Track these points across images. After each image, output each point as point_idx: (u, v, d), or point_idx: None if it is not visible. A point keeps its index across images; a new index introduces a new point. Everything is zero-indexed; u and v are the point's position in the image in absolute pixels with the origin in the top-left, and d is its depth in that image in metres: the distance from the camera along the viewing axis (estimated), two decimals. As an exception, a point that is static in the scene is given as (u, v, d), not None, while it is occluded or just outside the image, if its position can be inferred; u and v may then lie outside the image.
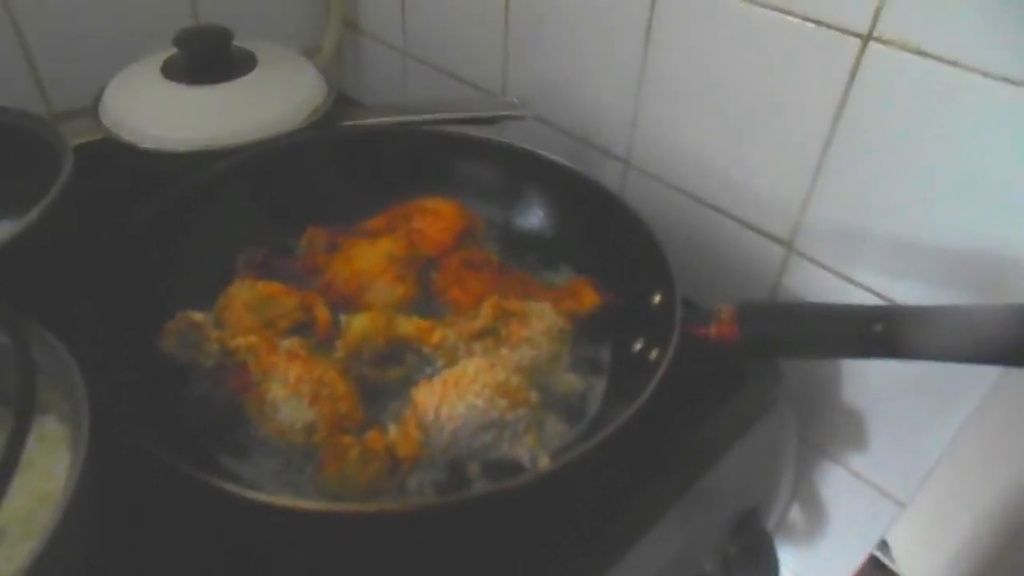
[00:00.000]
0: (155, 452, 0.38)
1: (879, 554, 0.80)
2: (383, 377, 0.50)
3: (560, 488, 0.45)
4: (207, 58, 0.65)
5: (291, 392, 0.46)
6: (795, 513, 0.71)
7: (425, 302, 0.56)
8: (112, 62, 0.67)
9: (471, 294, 0.55)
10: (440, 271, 0.58)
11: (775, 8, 0.52)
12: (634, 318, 0.53)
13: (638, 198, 0.63)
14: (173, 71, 0.65)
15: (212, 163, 0.59)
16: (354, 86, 0.99)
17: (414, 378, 0.49)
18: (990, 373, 0.52)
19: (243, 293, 0.53)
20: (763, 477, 0.58)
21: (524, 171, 0.64)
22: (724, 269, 0.65)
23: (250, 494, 0.37)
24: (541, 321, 0.51)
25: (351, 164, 0.65)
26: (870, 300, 0.56)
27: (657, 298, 0.52)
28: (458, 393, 0.45)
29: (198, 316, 0.50)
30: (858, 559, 0.70)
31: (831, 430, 0.63)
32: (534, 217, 0.64)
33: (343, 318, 0.52)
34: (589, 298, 0.55)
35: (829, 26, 0.50)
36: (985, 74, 0.44)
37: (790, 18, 0.52)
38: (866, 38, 0.49)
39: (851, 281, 0.57)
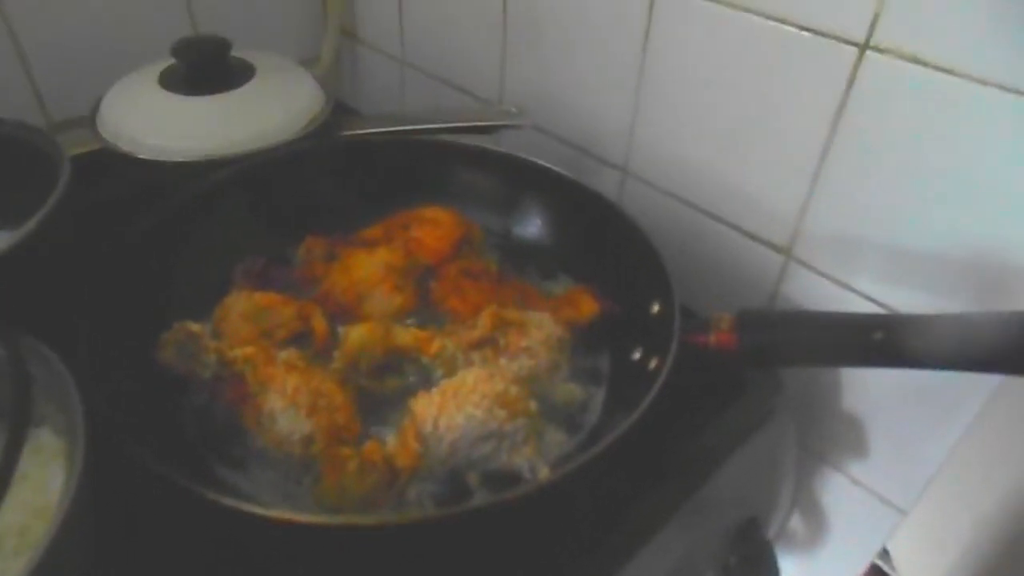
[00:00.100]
0: (152, 464, 0.37)
1: (880, 562, 0.80)
2: (381, 388, 0.50)
3: (560, 498, 0.45)
4: (205, 68, 0.65)
5: (288, 403, 0.45)
6: (796, 521, 0.70)
7: (423, 312, 0.56)
8: (110, 72, 0.67)
9: (469, 303, 0.55)
10: (438, 280, 0.57)
11: (772, 17, 0.52)
12: (633, 327, 0.53)
13: (636, 206, 0.63)
14: (171, 81, 0.65)
15: (210, 173, 0.59)
16: (352, 95, 0.99)
17: (412, 389, 0.48)
18: (990, 381, 0.51)
19: (240, 303, 0.53)
20: (763, 486, 0.58)
21: (522, 180, 0.64)
22: (722, 277, 0.65)
23: (247, 507, 0.37)
24: (540, 331, 0.51)
25: (349, 173, 0.65)
26: (869, 308, 0.56)
27: (656, 307, 0.52)
28: (457, 404, 0.45)
29: (195, 326, 0.50)
30: (859, 568, 0.70)
31: (831, 438, 0.63)
32: (532, 226, 0.64)
33: (341, 328, 0.51)
34: (588, 307, 0.55)
35: (826, 35, 0.50)
36: (982, 82, 0.44)
37: (787, 27, 0.52)
38: (863, 47, 0.49)
39: (850, 289, 0.57)
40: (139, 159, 0.61)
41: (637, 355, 0.52)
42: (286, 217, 0.61)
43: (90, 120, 0.65)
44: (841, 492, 0.65)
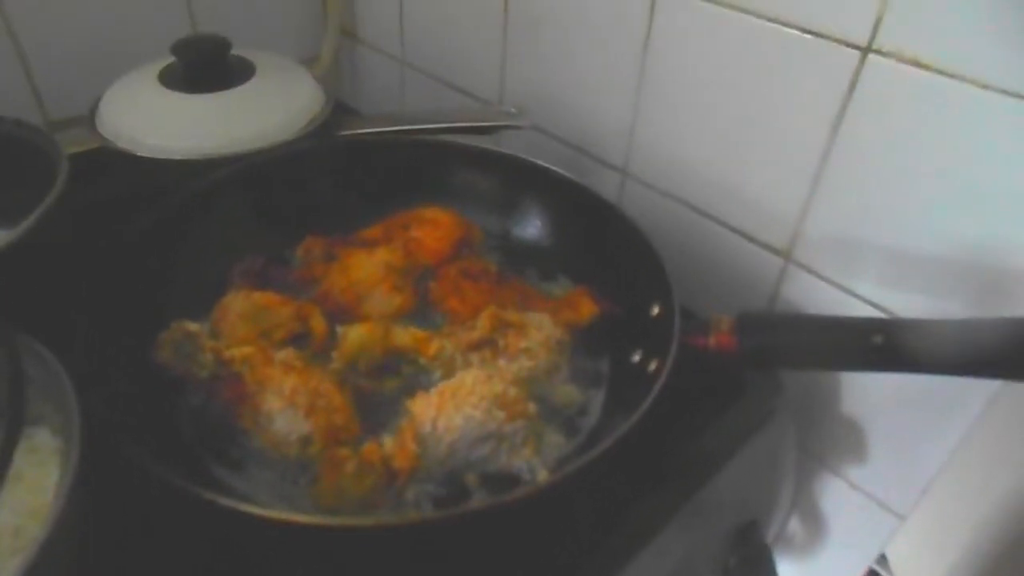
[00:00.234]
0: (149, 464, 0.37)
1: (878, 568, 0.79)
2: (380, 388, 0.50)
3: (559, 500, 0.45)
4: (205, 66, 0.65)
5: (286, 404, 0.45)
6: (794, 525, 0.70)
7: (422, 312, 0.56)
8: (109, 71, 0.67)
9: (469, 304, 0.54)
10: (438, 281, 0.57)
11: (774, 19, 0.52)
12: (632, 329, 0.53)
13: (635, 208, 0.63)
14: (171, 79, 0.65)
15: (209, 172, 0.59)
16: (352, 95, 0.99)
17: (411, 390, 0.48)
18: (990, 386, 0.51)
19: (238, 303, 0.53)
20: (763, 488, 0.58)
21: (522, 181, 0.64)
22: (721, 279, 0.65)
23: (244, 507, 0.37)
24: (539, 332, 0.51)
25: (348, 173, 0.65)
26: (869, 312, 0.56)
27: (655, 309, 0.51)
28: (455, 405, 0.45)
29: (193, 326, 0.50)
30: (856, 573, 0.69)
31: (831, 441, 0.63)
32: (532, 227, 0.64)
33: (339, 329, 0.51)
34: (587, 308, 0.55)
35: (828, 38, 0.50)
36: (984, 86, 0.44)
37: (790, 30, 0.52)
38: (865, 50, 0.49)
39: (850, 292, 0.57)
40: (138, 157, 0.61)
41: (637, 357, 0.51)
42: (285, 217, 0.61)
43: (89, 118, 0.65)
44: (840, 496, 0.65)
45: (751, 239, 0.62)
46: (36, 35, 0.70)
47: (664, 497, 0.47)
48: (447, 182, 0.65)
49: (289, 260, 0.59)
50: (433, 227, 0.60)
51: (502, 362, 0.49)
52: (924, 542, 0.74)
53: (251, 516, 0.37)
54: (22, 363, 0.36)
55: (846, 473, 0.64)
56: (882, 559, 0.77)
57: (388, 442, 0.45)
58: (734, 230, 0.63)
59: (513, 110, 0.69)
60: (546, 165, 0.62)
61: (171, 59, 0.65)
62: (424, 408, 0.45)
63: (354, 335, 0.50)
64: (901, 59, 0.47)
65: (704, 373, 0.49)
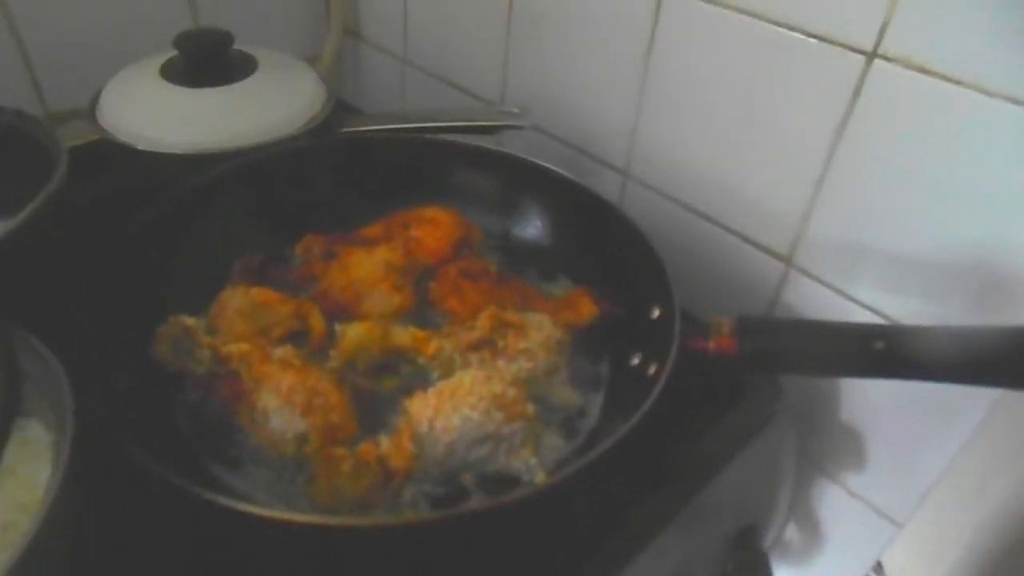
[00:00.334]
0: (146, 462, 0.37)
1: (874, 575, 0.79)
2: (378, 388, 0.49)
3: (557, 502, 0.45)
4: (207, 61, 0.65)
5: (283, 401, 0.45)
6: (791, 532, 0.70)
7: (422, 312, 0.55)
8: (109, 64, 0.67)
9: (468, 304, 0.54)
10: (437, 281, 0.57)
11: (780, 23, 0.52)
12: (632, 331, 0.53)
13: (636, 209, 0.63)
14: (172, 73, 0.65)
15: (209, 166, 0.59)
16: (353, 93, 0.99)
17: (409, 389, 0.48)
18: (990, 394, 0.51)
19: (236, 300, 0.52)
20: (761, 493, 0.57)
21: (523, 181, 0.63)
22: (721, 283, 0.65)
23: (240, 506, 0.37)
24: (539, 333, 0.51)
25: (349, 171, 0.64)
26: (869, 318, 0.56)
27: (656, 311, 0.51)
28: (454, 405, 0.45)
29: (190, 321, 0.49)
30: (853, 580, 0.69)
31: (830, 447, 0.63)
32: (532, 227, 0.64)
33: (338, 327, 0.51)
34: (587, 309, 0.54)
35: (834, 42, 0.50)
36: (989, 93, 0.44)
37: (795, 34, 0.52)
38: (871, 55, 0.48)
39: (850, 298, 0.56)
40: (138, 151, 0.61)
41: (636, 359, 0.51)
42: (286, 213, 0.61)
43: (89, 111, 0.64)
44: (837, 503, 0.65)
45: (752, 243, 0.62)
46: (37, 26, 0.69)
47: (663, 499, 0.47)
48: (448, 181, 0.65)
49: (289, 257, 0.59)
50: (433, 226, 0.60)
51: (501, 363, 0.49)
52: (920, 550, 0.73)
53: (247, 515, 0.36)
54: (17, 357, 0.35)
55: (844, 480, 0.64)
56: (878, 567, 0.77)
57: (385, 442, 0.44)
58: (735, 233, 0.63)
59: (515, 110, 0.69)
60: (547, 165, 0.62)
61: (173, 53, 0.65)
62: (422, 408, 0.45)
63: (353, 334, 0.50)
64: (907, 65, 0.47)
65: (704, 375, 0.49)
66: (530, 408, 0.46)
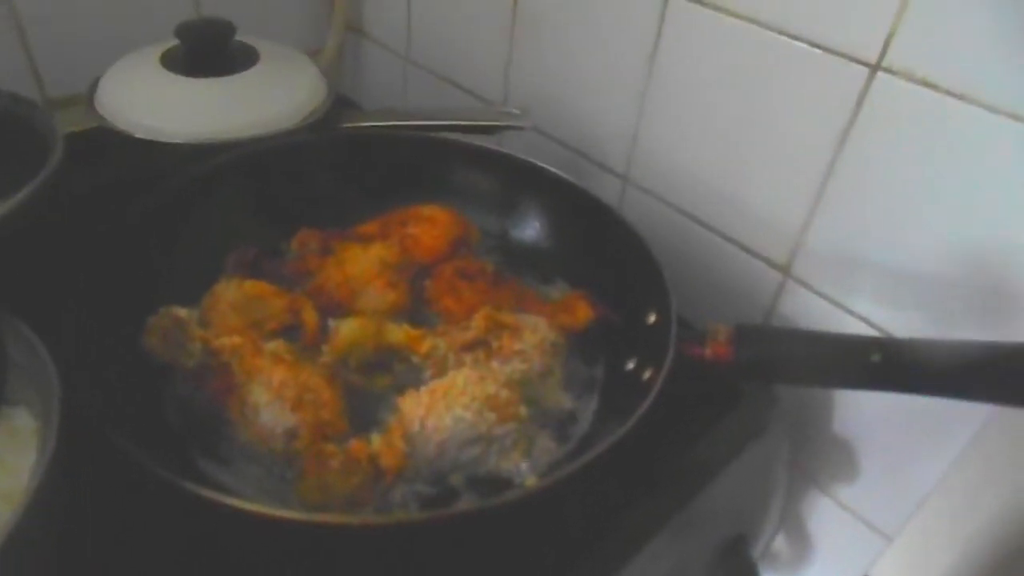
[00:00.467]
0: (133, 454, 0.36)
1: (861, 587, 0.79)
2: (370, 385, 0.49)
3: (548, 505, 0.44)
4: (208, 51, 0.64)
5: (274, 396, 0.44)
6: (780, 543, 0.70)
7: (416, 310, 0.55)
8: (111, 50, 0.66)
9: (464, 304, 0.54)
10: (433, 279, 0.57)
11: (785, 32, 0.52)
12: (628, 336, 0.53)
13: (634, 214, 0.62)
14: (173, 62, 0.64)
15: (207, 157, 0.58)
16: (353, 89, 0.98)
17: (402, 387, 0.47)
18: (982, 409, 0.51)
19: (230, 292, 0.52)
20: (754, 501, 0.57)
21: (522, 182, 0.63)
22: (718, 290, 0.65)
23: (226, 500, 0.36)
24: (534, 335, 0.50)
25: (348, 167, 0.64)
26: (865, 330, 0.55)
27: (652, 317, 0.51)
28: (446, 405, 0.44)
29: (182, 312, 0.49)
30: (841, 592, 0.69)
31: (822, 459, 0.63)
32: (531, 229, 0.63)
33: (331, 322, 0.51)
34: (583, 312, 0.54)
35: (838, 53, 0.50)
36: (992, 109, 0.44)
37: (800, 43, 0.52)
38: (874, 67, 0.48)
39: (847, 310, 0.56)
40: (136, 139, 0.60)
41: (631, 365, 0.51)
42: (284, 207, 0.61)
43: (88, 97, 0.64)
44: (828, 515, 0.65)
45: (750, 252, 0.61)
46: (37, 9, 0.69)
47: (656, 505, 0.47)
48: (447, 180, 0.64)
49: (284, 251, 0.59)
50: (431, 225, 0.60)
51: (495, 363, 0.49)
52: (910, 564, 0.73)
53: (233, 509, 0.36)
54: (5, 345, 0.35)
55: (835, 491, 0.63)
56: (866, 580, 0.76)
57: (376, 440, 0.44)
58: (733, 242, 0.62)
59: (516, 111, 0.68)
60: (547, 167, 0.62)
61: (174, 42, 0.65)
62: (414, 407, 0.45)
63: (346, 329, 0.50)
64: (911, 78, 0.47)
65: (699, 380, 0.48)
66: (523, 410, 0.45)
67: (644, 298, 0.52)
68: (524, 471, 0.44)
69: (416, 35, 0.86)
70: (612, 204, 0.59)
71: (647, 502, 0.46)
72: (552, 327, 0.51)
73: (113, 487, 0.40)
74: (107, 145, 0.61)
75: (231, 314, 0.50)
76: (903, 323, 0.53)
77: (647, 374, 0.47)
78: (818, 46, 0.51)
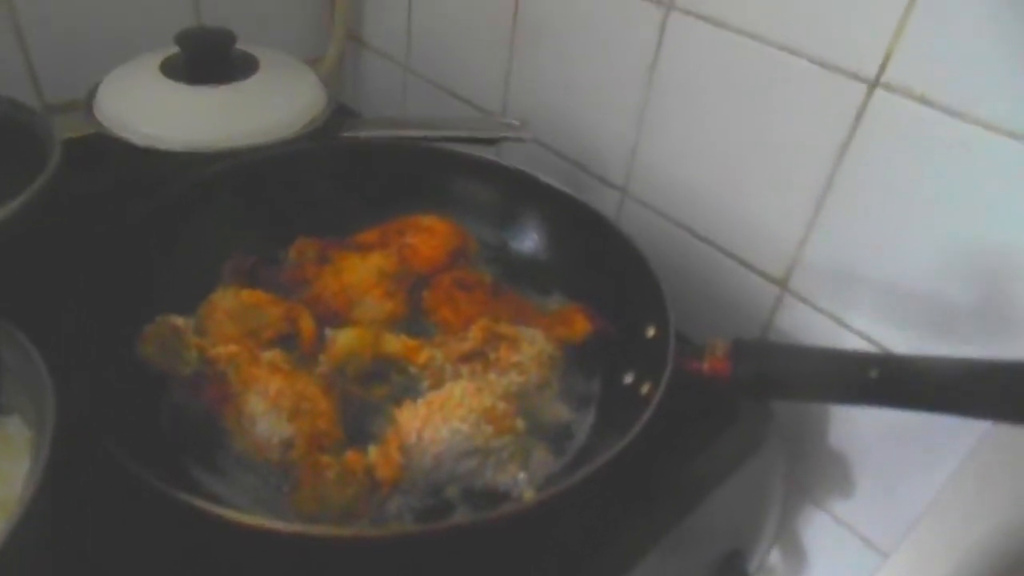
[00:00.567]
0: (128, 464, 0.36)
1: (856, 603, 0.79)
2: (367, 395, 0.49)
3: (544, 519, 0.44)
4: (208, 59, 0.65)
5: (270, 406, 0.44)
6: (776, 558, 0.70)
7: (414, 320, 0.55)
8: (110, 57, 0.66)
9: (461, 315, 0.54)
10: (431, 290, 0.57)
11: (785, 48, 0.52)
12: (626, 350, 0.52)
13: (633, 227, 0.62)
14: (173, 70, 0.64)
15: (206, 165, 0.58)
16: (353, 99, 0.98)
17: (399, 398, 0.47)
18: (979, 427, 0.51)
19: (226, 301, 0.52)
20: (750, 516, 0.57)
21: (521, 193, 0.63)
22: (715, 304, 0.65)
23: (220, 511, 0.36)
24: (531, 347, 0.50)
25: (347, 176, 0.64)
26: (863, 346, 0.56)
27: (651, 331, 0.51)
28: (443, 417, 0.44)
29: (178, 320, 0.49)
30: (836, 608, 0.69)
31: (818, 473, 0.63)
32: (529, 240, 0.63)
33: (329, 332, 0.50)
34: (581, 325, 0.54)
35: (837, 69, 0.50)
36: (989, 127, 0.45)
37: (799, 59, 0.52)
38: (873, 84, 0.49)
39: (845, 326, 0.56)
40: (135, 146, 0.60)
41: (629, 379, 0.51)
42: (282, 215, 0.60)
43: (87, 103, 0.64)
44: (824, 530, 0.65)
45: (748, 266, 0.62)
46: (36, 12, 0.69)
47: (653, 520, 0.46)
48: (447, 190, 0.64)
49: (282, 260, 0.59)
50: (429, 235, 0.60)
51: (492, 375, 0.48)
52: (905, 580, 0.73)
53: (226, 520, 0.36)
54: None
55: (831, 507, 0.63)
56: (862, 595, 0.76)
57: (372, 451, 0.44)
58: (731, 256, 0.63)
59: (515, 122, 0.68)
60: (546, 179, 0.62)
61: (174, 49, 0.65)
62: (410, 418, 0.45)
63: (343, 339, 0.49)
64: (909, 95, 0.47)
65: (696, 395, 0.48)
66: (520, 423, 0.45)
67: (642, 311, 0.52)
68: (520, 484, 0.44)
69: (416, 44, 0.86)
70: (611, 217, 0.59)
71: (644, 516, 0.46)
72: (550, 339, 0.51)
73: (108, 496, 0.39)
74: (105, 152, 0.61)
75: (228, 323, 0.50)
76: (901, 339, 0.54)
77: (645, 388, 0.47)
78: (817, 62, 0.51)
